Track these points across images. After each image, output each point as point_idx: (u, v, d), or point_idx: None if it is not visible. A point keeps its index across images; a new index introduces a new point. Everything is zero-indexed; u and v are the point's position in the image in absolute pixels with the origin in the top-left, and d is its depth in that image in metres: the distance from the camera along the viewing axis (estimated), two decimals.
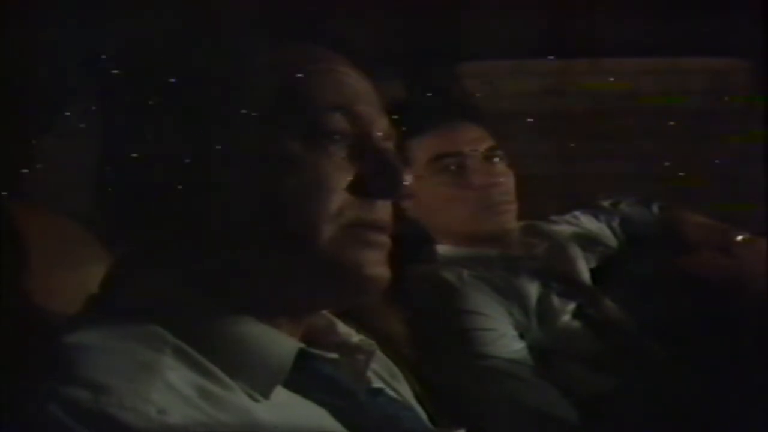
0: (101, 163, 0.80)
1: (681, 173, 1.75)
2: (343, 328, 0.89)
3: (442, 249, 1.56)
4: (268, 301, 0.79)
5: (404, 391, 0.95)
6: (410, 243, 1.49)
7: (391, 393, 0.91)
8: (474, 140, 1.56)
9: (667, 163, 1.80)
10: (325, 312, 0.88)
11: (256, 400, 0.74)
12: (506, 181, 1.56)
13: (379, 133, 0.82)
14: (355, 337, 0.89)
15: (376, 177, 0.79)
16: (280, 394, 0.76)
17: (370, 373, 0.88)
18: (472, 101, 1.71)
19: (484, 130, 1.58)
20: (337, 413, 0.79)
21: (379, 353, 0.91)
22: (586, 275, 1.58)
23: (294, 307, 0.81)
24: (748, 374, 1.32)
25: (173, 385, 0.70)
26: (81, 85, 0.86)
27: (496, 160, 1.56)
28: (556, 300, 1.50)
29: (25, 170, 0.99)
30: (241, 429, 0.71)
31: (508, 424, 1.37)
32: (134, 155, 0.78)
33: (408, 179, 0.80)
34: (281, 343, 0.78)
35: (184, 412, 0.68)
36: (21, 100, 0.98)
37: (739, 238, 1.57)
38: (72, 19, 0.91)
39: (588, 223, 1.71)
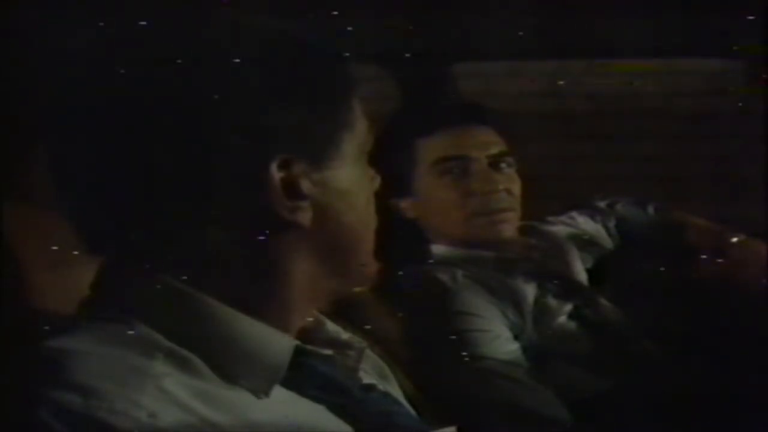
0: (93, 164, 0.80)
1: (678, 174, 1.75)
2: (332, 326, 0.89)
3: (438, 249, 1.56)
4: (261, 300, 0.79)
5: (394, 390, 0.95)
6: (405, 242, 1.50)
7: (383, 389, 0.91)
8: (482, 144, 1.54)
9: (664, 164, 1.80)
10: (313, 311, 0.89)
11: (257, 398, 0.75)
12: (510, 188, 1.54)
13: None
14: (344, 334, 0.89)
15: None
16: (278, 392, 0.77)
17: (360, 371, 0.89)
18: (488, 103, 1.67)
19: (497, 134, 1.56)
20: (333, 410, 0.80)
21: (368, 352, 0.91)
22: (582, 276, 1.58)
23: (287, 304, 0.81)
24: (744, 375, 1.32)
25: (166, 389, 0.70)
26: (74, 85, 0.86)
27: (504, 165, 1.54)
28: (552, 301, 1.50)
29: (19, 171, 0.99)
30: (240, 429, 0.72)
31: (501, 425, 1.37)
32: (127, 157, 0.78)
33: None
34: (277, 341, 0.78)
35: (176, 415, 0.69)
36: (16, 100, 0.98)
37: (735, 239, 1.57)
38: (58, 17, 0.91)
39: (584, 223, 1.69)
